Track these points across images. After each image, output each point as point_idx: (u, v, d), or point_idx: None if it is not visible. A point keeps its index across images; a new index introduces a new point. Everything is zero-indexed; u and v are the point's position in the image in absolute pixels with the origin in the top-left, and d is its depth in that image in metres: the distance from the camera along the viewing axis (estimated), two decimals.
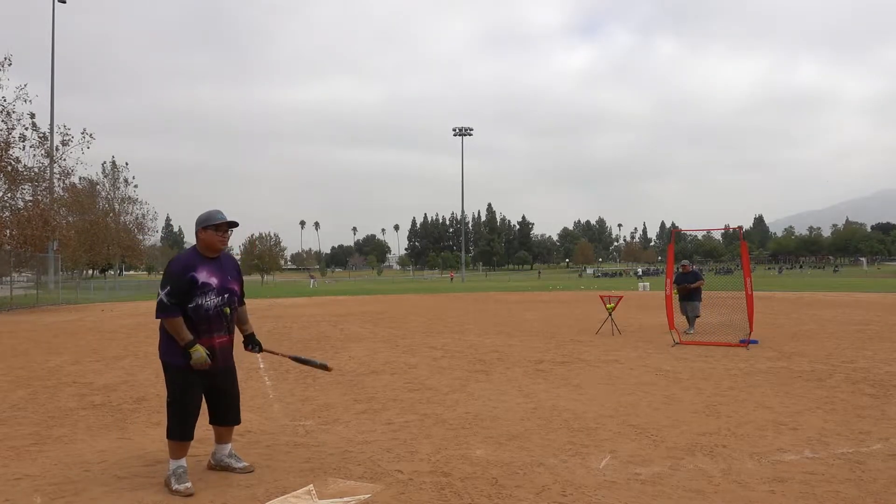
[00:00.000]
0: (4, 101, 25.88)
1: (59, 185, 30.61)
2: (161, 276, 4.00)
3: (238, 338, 4.39)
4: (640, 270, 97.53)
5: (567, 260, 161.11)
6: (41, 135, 28.41)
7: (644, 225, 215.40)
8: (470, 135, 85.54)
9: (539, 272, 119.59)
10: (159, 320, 4.03)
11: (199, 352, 3.96)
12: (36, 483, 4.11)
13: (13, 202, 27.13)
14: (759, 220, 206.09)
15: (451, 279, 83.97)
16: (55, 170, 29.34)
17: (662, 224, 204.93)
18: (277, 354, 4.96)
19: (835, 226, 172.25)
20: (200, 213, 4.18)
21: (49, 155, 28.71)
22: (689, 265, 13.57)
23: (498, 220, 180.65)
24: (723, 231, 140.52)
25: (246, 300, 4.57)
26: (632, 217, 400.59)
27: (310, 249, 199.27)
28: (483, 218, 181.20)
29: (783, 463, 4.40)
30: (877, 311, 18.44)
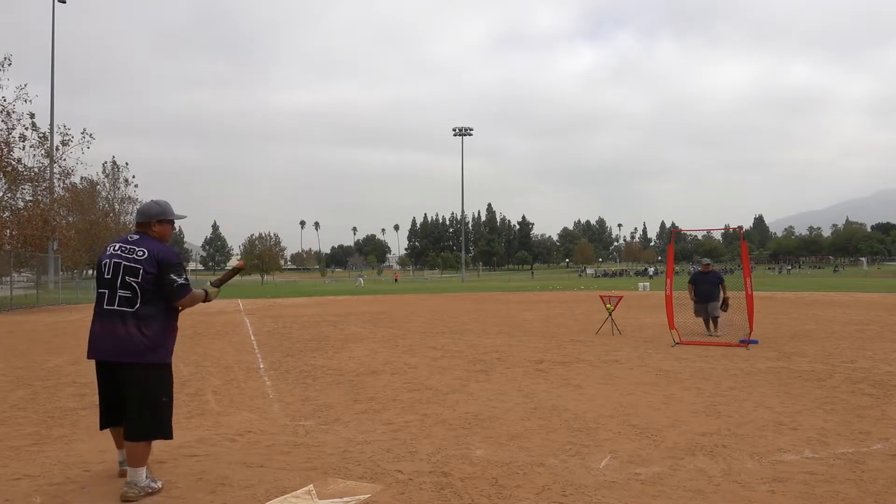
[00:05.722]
0: (4, 101, 25.90)
1: (59, 185, 30.63)
2: (173, 268, 4.00)
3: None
4: (651, 270, 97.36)
5: (567, 260, 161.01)
6: (41, 135, 28.44)
7: (644, 225, 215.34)
8: (470, 135, 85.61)
9: (532, 272, 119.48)
10: (159, 325, 3.99)
11: (212, 288, 4.42)
12: (36, 483, 4.10)
13: (13, 202, 27.14)
14: (759, 220, 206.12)
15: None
16: (55, 170, 29.36)
17: (662, 224, 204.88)
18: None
19: (835, 226, 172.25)
20: (150, 204, 4.24)
21: (49, 155, 28.71)
22: (709, 264, 13.19)
23: (498, 220, 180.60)
24: (723, 231, 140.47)
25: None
26: (632, 217, 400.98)
27: (310, 249, 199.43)
28: (483, 218, 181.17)
29: (783, 463, 4.40)
30: (877, 311, 18.43)
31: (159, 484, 3.97)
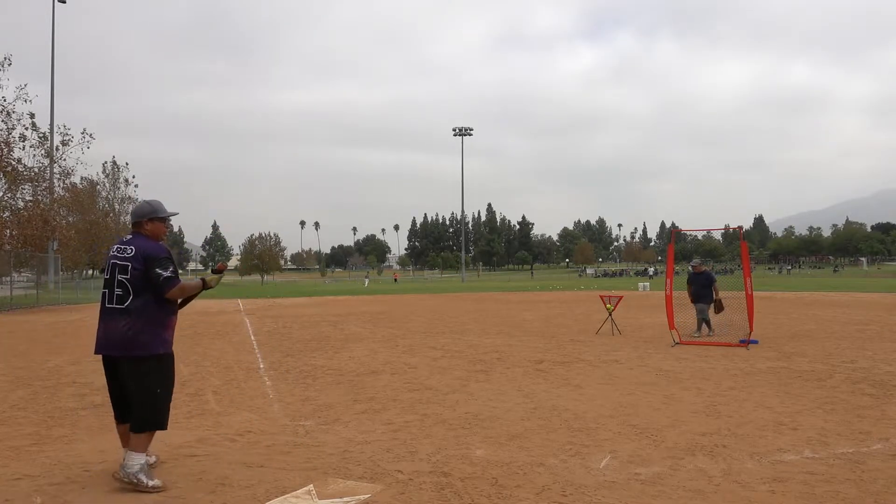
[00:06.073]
0: (4, 101, 25.88)
1: (59, 185, 30.63)
2: (158, 262, 4.13)
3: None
4: (651, 270, 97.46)
5: (567, 260, 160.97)
6: (41, 135, 28.44)
7: (644, 225, 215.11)
8: (470, 135, 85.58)
9: (532, 272, 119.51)
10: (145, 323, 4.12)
11: (211, 276, 4.55)
12: (36, 483, 4.10)
13: (13, 202, 27.13)
14: (759, 220, 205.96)
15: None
16: (55, 170, 29.35)
17: (662, 224, 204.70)
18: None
19: (835, 226, 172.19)
20: (142, 204, 4.45)
21: (49, 155, 28.71)
22: (700, 264, 12.97)
23: (498, 220, 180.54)
24: (723, 231, 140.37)
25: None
26: (632, 217, 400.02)
27: (310, 249, 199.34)
28: (483, 218, 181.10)
29: (783, 463, 4.40)
30: (877, 311, 18.43)
31: (154, 482, 3.98)
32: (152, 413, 4.09)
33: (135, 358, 4.06)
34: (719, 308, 12.20)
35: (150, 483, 3.97)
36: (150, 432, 4.11)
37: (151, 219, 4.32)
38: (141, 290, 4.10)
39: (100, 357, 4.24)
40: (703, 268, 12.90)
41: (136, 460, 4.00)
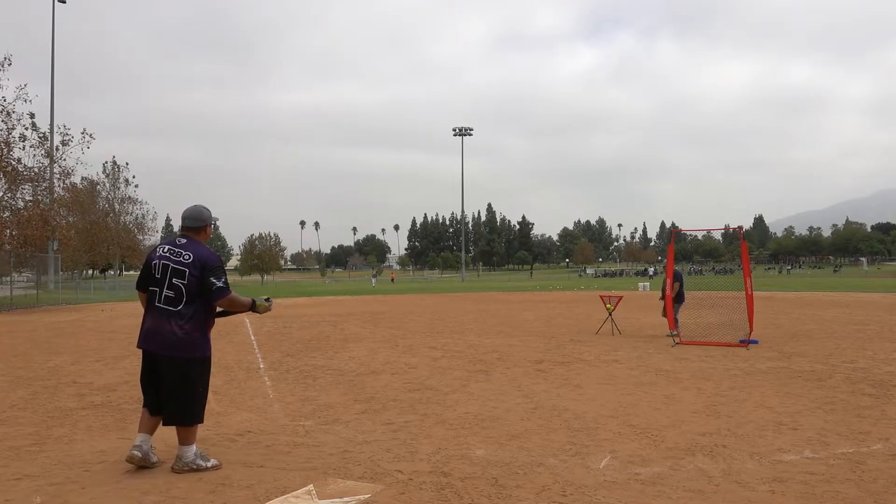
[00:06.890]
0: (4, 101, 25.88)
1: (59, 185, 30.62)
2: (214, 271, 4.30)
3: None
4: (651, 270, 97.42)
5: (567, 260, 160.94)
6: (41, 135, 28.44)
7: (644, 225, 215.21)
8: (470, 135, 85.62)
9: (531, 272, 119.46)
10: (196, 322, 4.31)
11: (262, 303, 4.64)
12: (36, 483, 4.10)
13: (13, 202, 27.13)
14: (759, 220, 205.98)
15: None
16: (55, 170, 29.35)
17: (662, 224, 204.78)
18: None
19: (835, 226, 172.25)
20: (201, 209, 4.55)
21: (49, 155, 28.70)
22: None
23: (498, 220, 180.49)
24: (723, 231, 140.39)
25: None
26: (632, 217, 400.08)
27: (310, 249, 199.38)
28: (483, 218, 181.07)
29: (783, 463, 4.40)
30: (877, 311, 18.43)
31: (210, 463, 4.29)
32: (192, 409, 4.30)
33: (182, 359, 4.24)
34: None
35: (209, 465, 4.28)
36: (192, 426, 4.31)
37: (208, 224, 4.52)
38: (195, 296, 4.27)
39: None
40: (674, 268, 12.60)
41: (189, 451, 4.28)
